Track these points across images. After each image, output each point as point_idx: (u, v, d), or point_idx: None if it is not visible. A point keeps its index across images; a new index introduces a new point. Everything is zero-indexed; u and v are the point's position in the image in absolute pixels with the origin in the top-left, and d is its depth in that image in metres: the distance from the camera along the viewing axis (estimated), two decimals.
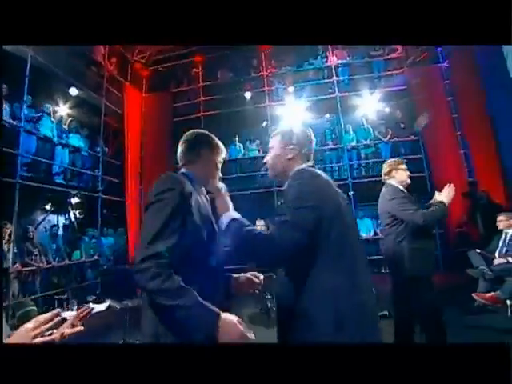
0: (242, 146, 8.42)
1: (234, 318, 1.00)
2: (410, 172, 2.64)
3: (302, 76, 7.98)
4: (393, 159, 2.63)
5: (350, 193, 7.18)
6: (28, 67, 5.12)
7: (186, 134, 1.38)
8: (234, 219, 1.15)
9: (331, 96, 7.53)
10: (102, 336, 3.72)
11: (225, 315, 0.99)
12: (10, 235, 4.92)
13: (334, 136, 7.98)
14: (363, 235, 7.19)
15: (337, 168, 7.90)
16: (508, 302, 3.53)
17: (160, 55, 8.65)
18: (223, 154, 1.38)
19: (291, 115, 7.67)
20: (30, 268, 5.27)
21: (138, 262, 0.97)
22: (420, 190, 7.12)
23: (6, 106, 4.73)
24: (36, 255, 5.43)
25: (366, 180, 7.28)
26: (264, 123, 8.14)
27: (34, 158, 5.32)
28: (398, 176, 2.51)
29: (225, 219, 1.16)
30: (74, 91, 6.02)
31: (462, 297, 3.96)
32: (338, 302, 1.04)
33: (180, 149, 1.35)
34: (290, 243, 1.04)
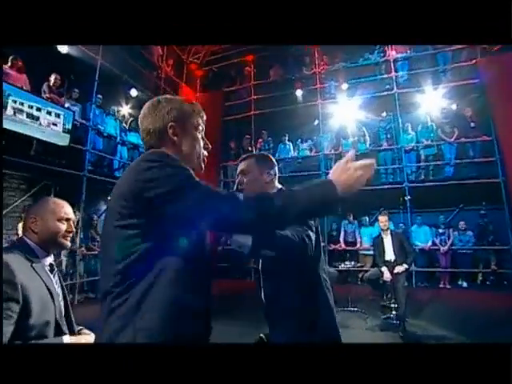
0: (291, 145, 8.31)
1: (339, 165, 0.92)
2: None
3: (356, 72, 7.56)
4: None
5: (407, 197, 6.63)
6: (97, 73, 5.70)
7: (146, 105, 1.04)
8: None
9: (389, 93, 7.01)
10: None
11: (332, 172, 0.92)
12: (77, 222, 5.55)
13: (389, 136, 7.40)
14: (419, 244, 6.57)
15: (391, 171, 7.35)
16: None
17: (213, 55, 8.92)
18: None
19: (344, 113, 7.33)
20: (92, 252, 5.89)
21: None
22: (494, 197, 6.29)
23: (77, 108, 5.34)
24: (98, 241, 6.03)
25: (425, 184, 6.66)
26: (315, 122, 7.92)
27: (99, 153, 5.92)
28: None
29: None
30: (134, 92, 6.54)
31: None
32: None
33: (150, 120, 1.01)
34: (313, 238, 1.26)
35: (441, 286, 6.38)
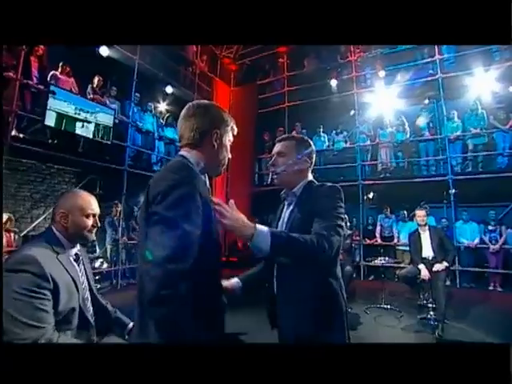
0: (326, 136, 8.11)
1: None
2: None
3: (395, 58, 7.06)
4: None
5: (451, 191, 6.14)
6: (135, 72, 6.04)
7: (196, 104, 1.13)
8: (273, 234, 1.04)
9: (431, 78, 6.48)
10: None
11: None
12: (119, 213, 5.99)
13: (431, 125, 6.85)
14: (465, 242, 6.08)
15: (433, 162, 6.82)
16: None
17: (247, 48, 8.93)
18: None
19: (381, 102, 6.96)
20: (133, 241, 6.32)
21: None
22: None
23: (115, 105, 5.72)
24: (138, 231, 6.45)
25: (472, 177, 6.09)
26: (351, 112, 7.62)
27: (138, 149, 6.30)
28: None
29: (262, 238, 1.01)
30: (169, 89, 6.83)
31: None
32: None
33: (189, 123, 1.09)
34: (337, 244, 1.16)
35: (490, 288, 5.85)
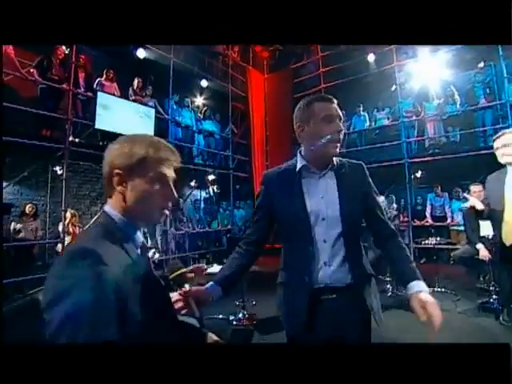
0: (366, 115, 7.72)
1: None
2: None
3: None
4: None
5: None
6: (171, 70, 6.28)
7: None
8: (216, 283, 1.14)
9: None
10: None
11: None
12: None
13: (488, 90, 6.11)
14: None
15: (492, 132, 6.11)
16: None
17: None
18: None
19: (426, 73, 6.39)
20: (180, 232, 6.70)
21: None
22: None
23: (152, 103, 6.03)
24: (185, 222, 6.83)
25: None
26: (393, 87, 7.13)
27: (179, 143, 6.59)
28: None
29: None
30: (204, 83, 7.01)
31: None
32: None
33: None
34: None
35: None
